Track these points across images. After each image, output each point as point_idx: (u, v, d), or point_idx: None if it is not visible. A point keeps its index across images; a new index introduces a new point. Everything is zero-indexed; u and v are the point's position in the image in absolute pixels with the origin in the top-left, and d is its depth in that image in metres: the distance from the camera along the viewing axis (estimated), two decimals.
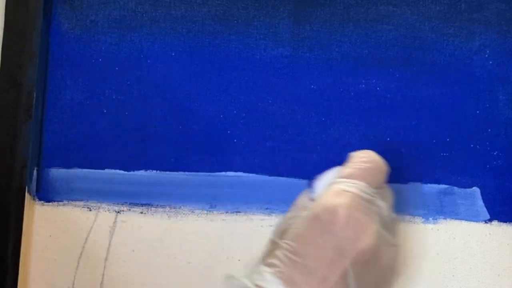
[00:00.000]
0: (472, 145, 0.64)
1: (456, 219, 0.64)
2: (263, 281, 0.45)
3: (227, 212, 0.66)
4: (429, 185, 0.65)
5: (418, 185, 0.65)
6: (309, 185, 0.53)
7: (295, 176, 0.66)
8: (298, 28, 0.67)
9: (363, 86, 0.66)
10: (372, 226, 0.46)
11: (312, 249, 0.45)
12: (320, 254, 0.45)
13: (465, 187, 0.64)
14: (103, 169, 0.67)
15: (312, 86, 0.66)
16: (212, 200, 0.66)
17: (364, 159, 0.51)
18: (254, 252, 0.65)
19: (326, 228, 0.46)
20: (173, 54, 0.68)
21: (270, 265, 0.46)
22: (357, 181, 0.49)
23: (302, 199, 0.53)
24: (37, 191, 0.67)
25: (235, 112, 0.67)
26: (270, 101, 0.66)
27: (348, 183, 0.49)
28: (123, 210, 0.67)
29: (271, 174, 0.66)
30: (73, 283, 0.67)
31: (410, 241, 0.64)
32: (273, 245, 0.49)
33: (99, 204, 0.67)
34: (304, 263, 0.45)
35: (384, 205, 0.49)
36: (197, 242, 0.66)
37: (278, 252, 0.46)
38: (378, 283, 0.47)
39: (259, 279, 0.45)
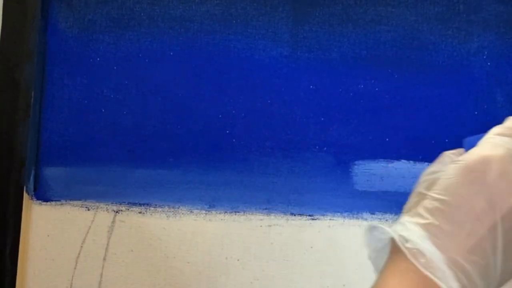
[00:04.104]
0: None
1: None
2: (406, 231, 0.43)
3: (226, 212, 0.66)
4: None
5: (416, 185, 0.65)
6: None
7: (294, 176, 0.66)
8: (297, 28, 0.67)
9: (362, 86, 0.66)
10: None
11: (461, 199, 0.43)
12: (470, 206, 0.42)
13: None
14: (102, 168, 0.67)
15: (311, 86, 0.66)
16: (211, 200, 0.66)
17: None
18: (253, 251, 0.65)
19: (478, 179, 0.43)
20: (171, 53, 0.68)
21: (414, 215, 0.44)
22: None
23: (448, 155, 0.51)
24: (35, 190, 0.67)
25: (234, 112, 0.67)
26: (269, 101, 0.66)
27: (502, 139, 0.47)
28: (121, 210, 0.67)
29: (269, 174, 0.66)
30: (71, 283, 0.66)
31: None
32: (419, 196, 0.46)
33: (97, 204, 0.67)
34: (451, 213, 0.42)
35: None
36: (196, 242, 0.66)
37: (424, 203, 0.44)
38: None
39: (402, 229, 0.43)
